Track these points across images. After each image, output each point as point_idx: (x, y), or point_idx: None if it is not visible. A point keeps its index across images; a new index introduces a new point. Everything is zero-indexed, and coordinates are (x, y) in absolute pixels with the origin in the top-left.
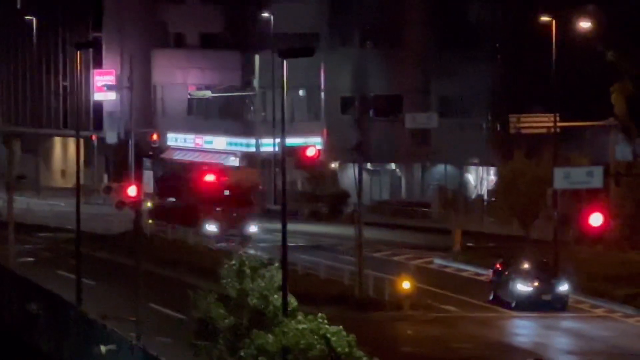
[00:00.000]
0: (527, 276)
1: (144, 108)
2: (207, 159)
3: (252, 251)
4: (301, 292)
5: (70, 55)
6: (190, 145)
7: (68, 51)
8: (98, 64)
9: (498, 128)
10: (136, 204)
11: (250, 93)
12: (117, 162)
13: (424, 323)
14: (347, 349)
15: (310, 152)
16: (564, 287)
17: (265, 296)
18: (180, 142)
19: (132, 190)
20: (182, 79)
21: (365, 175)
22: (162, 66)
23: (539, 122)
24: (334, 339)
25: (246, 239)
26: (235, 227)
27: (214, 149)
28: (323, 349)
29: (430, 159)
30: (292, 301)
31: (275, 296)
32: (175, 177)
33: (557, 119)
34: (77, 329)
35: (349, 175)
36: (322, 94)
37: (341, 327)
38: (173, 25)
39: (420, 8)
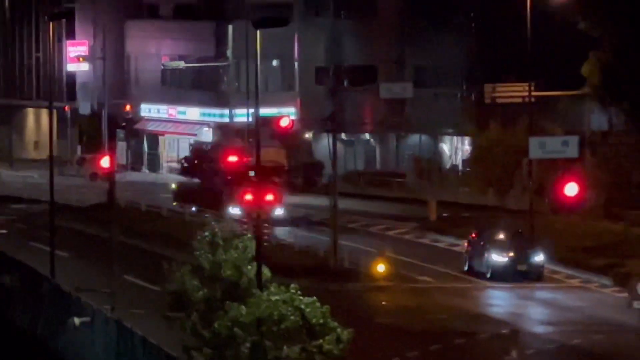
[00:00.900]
0: (502, 246)
1: (117, 79)
2: (181, 130)
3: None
4: (275, 264)
5: (43, 26)
6: (164, 116)
7: (41, 22)
8: (71, 34)
9: (473, 98)
10: (110, 175)
11: (224, 63)
12: (91, 133)
13: (399, 294)
14: (321, 320)
15: (284, 123)
16: (539, 258)
17: (238, 267)
18: (154, 113)
19: (105, 162)
20: (155, 49)
21: (339, 146)
22: (135, 37)
23: (514, 92)
24: (307, 310)
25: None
26: (261, 211)
27: (187, 120)
28: (297, 320)
29: (405, 129)
30: (266, 272)
31: (249, 267)
32: (200, 157)
33: (532, 88)
34: (51, 301)
35: (323, 145)
36: (296, 64)
37: (315, 298)
38: None
39: None
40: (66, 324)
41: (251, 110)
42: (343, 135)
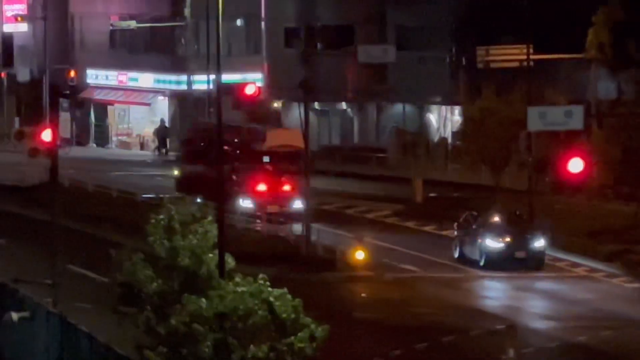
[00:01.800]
0: (497, 231)
1: (60, 41)
2: (132, 98)
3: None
4: (240, 251)
5: None
6: (113, 83)
7: None
8: None
9: (464, 62)
10: (52, 150)
11: (181, 23)
12: (30, 103)
13: (381, 285)
14: (292, 315)
15: (250, 90)
16: (539, 243)
17: (198, 255)
18: (102, 80)
19: (47, 135)
20: (103, 8)
21: (312, 117)
22: None
23: (510, 55)
24: (277, 303)
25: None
26: (277, 203)
27: (139, 87)
28: (265, 315)
29: (387, 97)
30: (230, 261)
31: (210, 255)
32: (204, 140)
33: (531, 51)
34: None
35: (294, 116)
36: (263, 24)
37: (286, 289)
38: None
39: None
40: (2, 319)
41: (212, 77)
42: (316, 105)
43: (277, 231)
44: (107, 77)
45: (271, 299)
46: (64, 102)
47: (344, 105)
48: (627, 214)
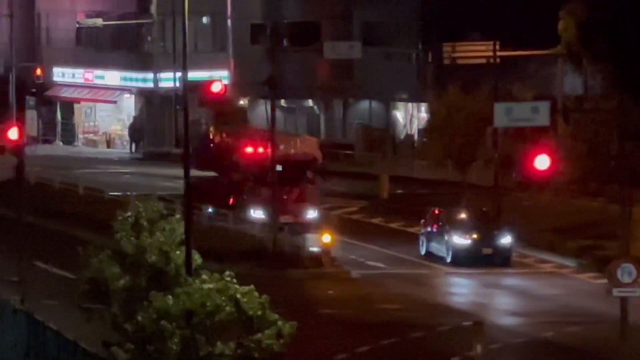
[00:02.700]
0: (464, 227)
1: (26, 39)
2: (98, 96)
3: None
4: (207, 248)
5: None
6: (80, 80)
7: None
8: None
9: (430, 58)
10: (18, 148)
11: (147, 21)
12: None
13: (347, 281)
14: (259, 312)
15: (216, 88)
16: (506, 240)
17: (165, 252)
18: (68, 78)
19: (13, 133)
20: (69, 5)
21: (278, 114)
22: None
23: (477, 51)
24: (244, 300)
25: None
26: (290, 213)
27: (106, 85)
28: (232, 311)
29: (353, 94)
30: (197, 258)
31: (177, 252)
32: (216, 146)
33: (497, 47)
34: None
35: (261, 113)
36: (229, 21)
37: (252, 286)
38: None
39: None
40: None
41: (178, 74)
42: (282, 102)
43: (292, 242)
44: (73, 75)
45: (238, 295)
46: (31, 100)
47: (310, 102)
48: (594, 210)
